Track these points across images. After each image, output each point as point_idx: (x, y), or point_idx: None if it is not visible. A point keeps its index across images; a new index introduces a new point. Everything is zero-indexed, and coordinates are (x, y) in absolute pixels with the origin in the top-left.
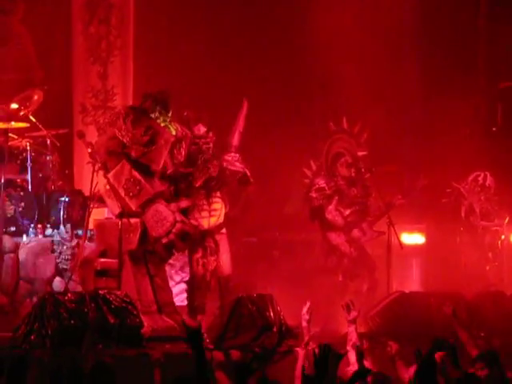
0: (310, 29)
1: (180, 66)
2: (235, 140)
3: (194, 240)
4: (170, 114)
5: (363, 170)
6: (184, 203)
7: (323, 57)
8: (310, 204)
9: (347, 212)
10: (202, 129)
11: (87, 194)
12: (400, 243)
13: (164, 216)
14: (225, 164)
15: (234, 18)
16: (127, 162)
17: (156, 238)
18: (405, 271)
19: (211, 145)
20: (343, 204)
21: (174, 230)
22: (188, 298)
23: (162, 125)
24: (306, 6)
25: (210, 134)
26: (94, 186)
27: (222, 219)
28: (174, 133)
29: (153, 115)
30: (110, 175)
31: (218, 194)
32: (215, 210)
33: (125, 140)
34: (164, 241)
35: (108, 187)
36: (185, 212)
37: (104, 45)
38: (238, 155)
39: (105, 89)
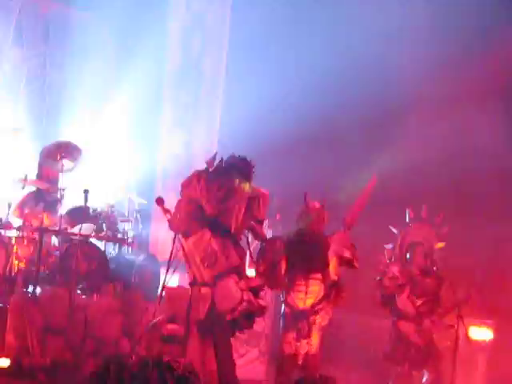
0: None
1: (264, 138)
2: (350, 217)
3: (286, 320)
4: (250, 184)
5: (438, 261)
6: (255, 282)
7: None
8: (382, 291)
9: (419, 302)
10: (317, 204)
11: (161, 259)
12: (468, 338)
13: (231, 292)
14: (332, 244)
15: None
16: (208, 229)
17: (220, 312)
18: (470, 365)
19: (325, 221)
20: (415, 293)
21: (239, 309)
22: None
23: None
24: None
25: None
26: (173, 252)
27: (318, 300)
28: (248, 190)
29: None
30: (189, 241)
31: (319, 275)
32: (312, 292)
33: (201, 199)
34: (228, 317)
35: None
36: (255, 291)
37: (191, 113)
38: (348, 236)
39: (188, 156)
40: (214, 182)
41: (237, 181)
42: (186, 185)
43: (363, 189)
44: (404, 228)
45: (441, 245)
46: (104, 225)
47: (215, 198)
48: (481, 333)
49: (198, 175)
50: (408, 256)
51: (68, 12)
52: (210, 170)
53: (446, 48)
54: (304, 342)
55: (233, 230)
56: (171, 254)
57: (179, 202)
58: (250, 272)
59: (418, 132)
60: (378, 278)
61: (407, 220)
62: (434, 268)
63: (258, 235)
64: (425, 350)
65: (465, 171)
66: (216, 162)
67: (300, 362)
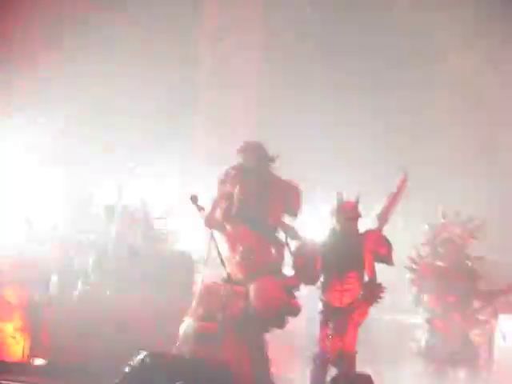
0: None
1: (301, 141)
2: (382, 216)
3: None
4: (270, 164)
5: (472, 257)
6: (291, 281)
7: None
8: (413, 289)
9: (451, 298)
10: (351, 203)
11: (195, 256)
12: (502, 334)
13: (267, 291)
14: (367, 242)
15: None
16: (245, 226)
17: (254, 310)
18: (506, 362)
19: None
20: (447, 290)
21: (273, 308)
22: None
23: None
24: None
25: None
26: (210, 249)
27: (354, 298)
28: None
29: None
30: (225, 238)
31: (354, 273)
32: (348, 290)
33: (236, 196)
34: (263, 315)
35: (224, 249)
36: (290, 290)
37: (227, 111)
38: (381, 234)
39: (224, 154)
40: (249, 179)
41: (271, 172)
42: (222, 181)
43: (396, 187)
44: (437, 225)
45: (473, 241)
46: (138, 223)
47: (250, 196)
48: None
49: (232, 172)
50: (440, 252)
51: (100, 11)
52: (242, 160)
53: None
54: (338, 339)
55: (271, 222)
56: (207, 251)
57: (216, 199)
58: (287, 271)
59: None
60: (408, 276)
61: (439, 217)
62: (468, 264)
63: (294, 234)
64: (459, 346)
65: None
66: (248, 152)
67: (333, 359)
